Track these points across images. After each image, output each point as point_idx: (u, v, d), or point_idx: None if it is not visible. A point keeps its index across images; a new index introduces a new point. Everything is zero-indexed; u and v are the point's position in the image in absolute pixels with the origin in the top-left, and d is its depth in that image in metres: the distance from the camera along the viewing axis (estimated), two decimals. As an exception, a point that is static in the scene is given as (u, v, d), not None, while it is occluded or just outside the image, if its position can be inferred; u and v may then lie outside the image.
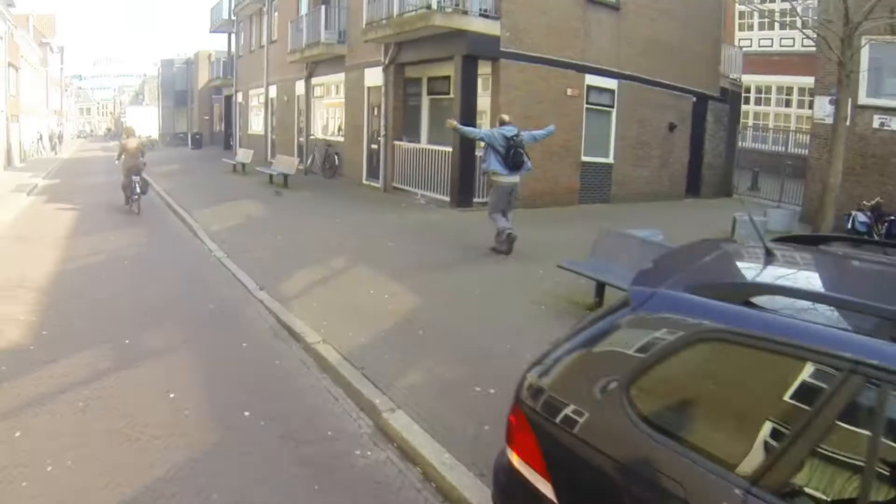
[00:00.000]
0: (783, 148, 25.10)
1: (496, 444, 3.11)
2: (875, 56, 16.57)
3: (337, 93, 20.79)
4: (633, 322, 2.61)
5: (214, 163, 26.36)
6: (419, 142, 16.91)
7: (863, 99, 16.71)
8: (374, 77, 17.35)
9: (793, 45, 27.70)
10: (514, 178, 10.02)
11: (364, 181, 18.44)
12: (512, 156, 9.79)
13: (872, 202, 15.34)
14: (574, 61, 15.23)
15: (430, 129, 17.31)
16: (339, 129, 20.87)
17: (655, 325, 2.50)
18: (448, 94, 16.33)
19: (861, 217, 15.12)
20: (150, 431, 4.40)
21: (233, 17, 31.90)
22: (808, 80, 27.39)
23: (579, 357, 2.73)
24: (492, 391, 5.05)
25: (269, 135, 27.62)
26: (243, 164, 22.07)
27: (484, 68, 14.03)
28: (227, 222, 12.48)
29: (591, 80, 15.72)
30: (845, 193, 17.32)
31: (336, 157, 20.28)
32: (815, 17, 11.54)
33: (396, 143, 16.55)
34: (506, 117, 10.39)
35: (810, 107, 28.08)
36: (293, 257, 9.55)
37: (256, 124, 29.84)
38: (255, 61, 28.30)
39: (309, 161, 21.57)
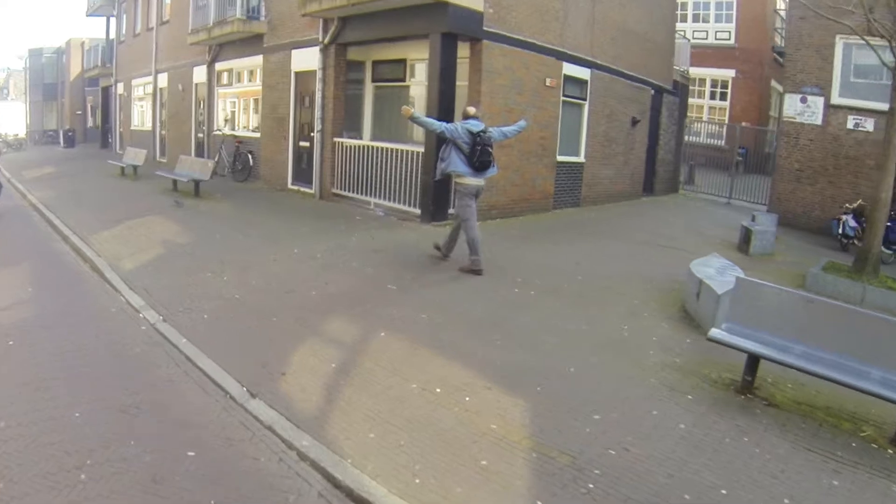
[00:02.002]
0: (698, 139, 24.12)
1: None
2: (847, 56, 15.37)
3: (251, 79, 16.96)
4: None
5: (96, 164, 21.44)
6: (361, 138, 13.64)
7: (836, 99, 15.40)
8: (305, 60, 13.80)
9: (706, 38, 26.83)
10: (480, 181, 7.93)
11: (290, 185, 14.80)
12: (478, 155, 7.71)
13: (855, 205, 13.92)
14: (553, 47, 12.57)
15: (374, 124, 14.06)
16: (254, 122, 17.10)
17: None
18: (402, 80, 13.22)
19: (851, 222, 13.68)
20: None
21: (114, -3, 26.80)
22: (721, 73, 26.69)
23: None
24: None
25: (158, 130, 23.09)
26: (135, 167, 17.72)
27: (461, 51, 11.02)
28: (141, 254, 8.77)
29: (567, 69, 13.12)
30: (818, 194, 15.90)
31: (250, 157, 16.48)
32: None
33: (338, 140, 13.15)
34: (471, 110, 8.14)
35: (723, 98, 27.46)
36: (267, 319, 6.23)
37: (141, 118, 25.06)
38: (141, 46, 23.48)
39: (215, 161, 17.58)
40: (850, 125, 15.31)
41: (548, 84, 12.52)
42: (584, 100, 13.99)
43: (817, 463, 4.18)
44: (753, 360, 5.14)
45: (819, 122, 15.65)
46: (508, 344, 5.81)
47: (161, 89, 22.39)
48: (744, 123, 23.85)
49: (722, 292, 6.53)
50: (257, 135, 16.30)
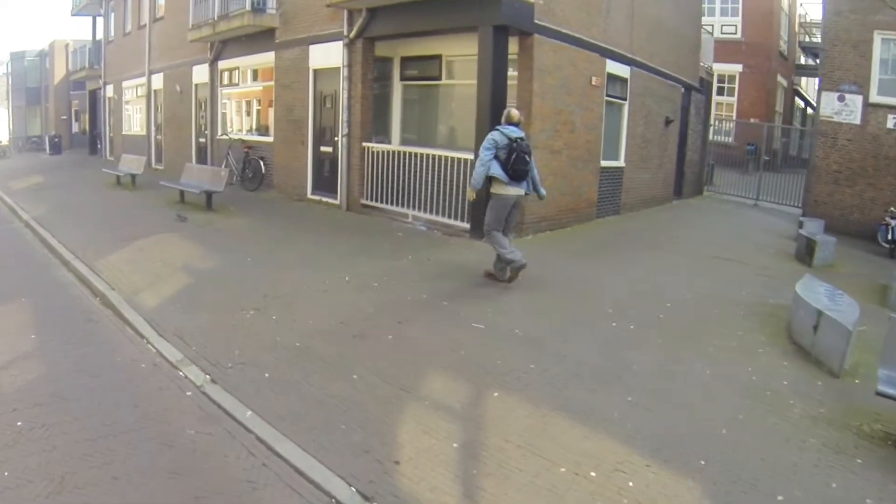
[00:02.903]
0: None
1: None
2: (886, 52, 14.56)
3: (260, 78, 15.61)
4: None
5: (87, 173, 19.94)
6: (389, 142, 12.47)
7: (874, 97, 14.56)
8: (326, 56, 12.54)
9: (712, 32, 25.94)
10: (520, 191, 7.05)
11: (310, 195, 13.48)
12: (513, 162, 6.77)
13: (899, 209, 13.10)
14: (598, 43, 11.50)
15: (403, 127, 12.87)
16: (264, 125, 15.82)
17: None
18: (437, 79, 12.04)
19: (898, 227, 12.85)
20: None
21: (101, -5, 25.17)
22: (728, 67, 25.77)
23: None
24: None
25: (153, 135, 21.62)
26: (132, 176, 16.38)
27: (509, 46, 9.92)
28: (162, 284, 7.47)
29: (610, 66, 12.07)
30: (857, 197, 15.01)
31: (261, 163, 15.19)
32: None
33: (367, 145, 11.97)
34: (516, 114, 7.15)
35: (730, 94, 26.62)
36: (346, 377, 4.96)
37: (134, 122, 23.59)
38: (133, 46, 21.94)
39: (224, 168, 16.30)
40: (889, 124, 14.54)
41: (593, 83, 11.47)
42: (625, 99, 12.95)
43: None
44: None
45: (858, 121, 14.84)
46: (641, 399, 4.75)
47: (156, 91, 20.93)
48: (752, 119, 23.12)
49: (852, 327, 5.65)
50: (269, 139, 15.00)
